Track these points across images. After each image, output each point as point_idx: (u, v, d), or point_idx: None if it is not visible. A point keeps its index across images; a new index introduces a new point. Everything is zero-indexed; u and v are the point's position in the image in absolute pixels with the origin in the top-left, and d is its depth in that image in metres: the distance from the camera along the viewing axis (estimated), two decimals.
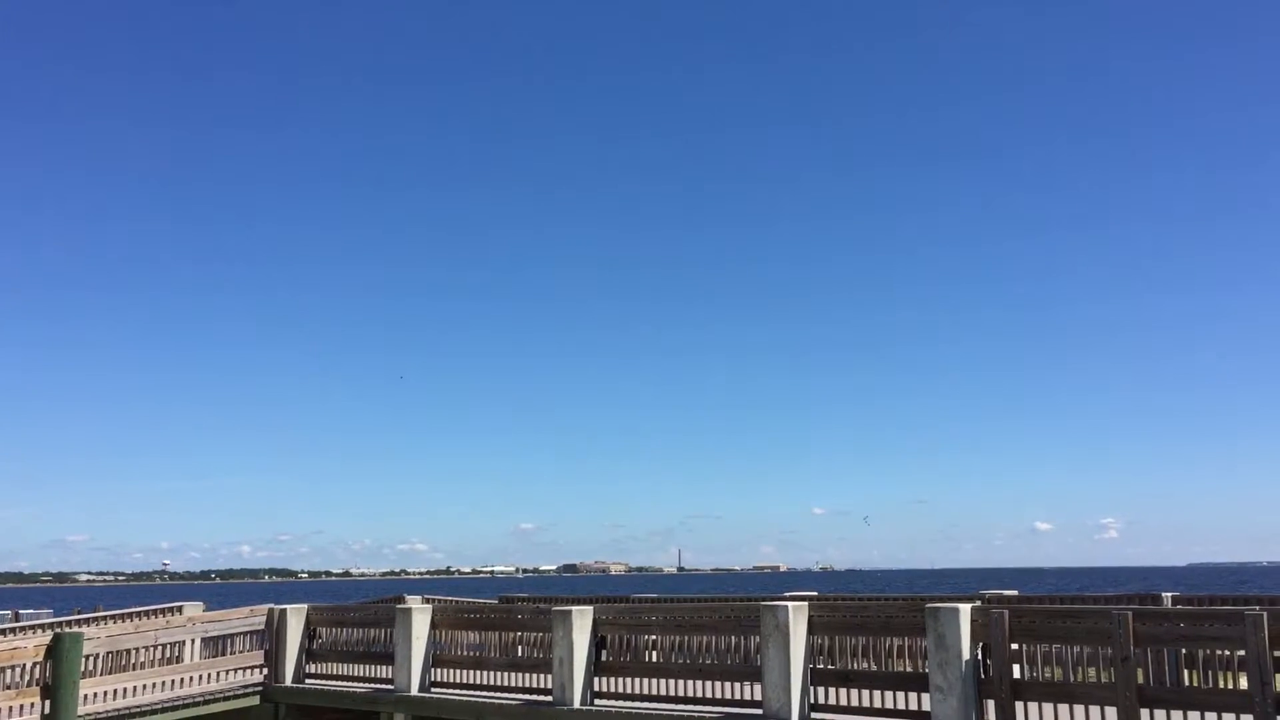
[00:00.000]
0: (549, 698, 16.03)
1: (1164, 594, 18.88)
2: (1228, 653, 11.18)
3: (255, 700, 19.53)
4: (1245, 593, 27.36)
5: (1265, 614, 10.73)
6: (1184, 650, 11.54)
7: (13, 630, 22.37)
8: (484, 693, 17.14)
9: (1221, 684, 11.19)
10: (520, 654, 17.10)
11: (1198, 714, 11.14)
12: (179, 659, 18.90)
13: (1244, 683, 10.88)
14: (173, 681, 18.62)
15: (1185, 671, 11.52)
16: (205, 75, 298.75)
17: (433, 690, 17.79)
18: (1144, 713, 11.34)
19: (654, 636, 15.68)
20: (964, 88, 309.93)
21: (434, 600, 24.12)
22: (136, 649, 18.30)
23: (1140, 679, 11.46)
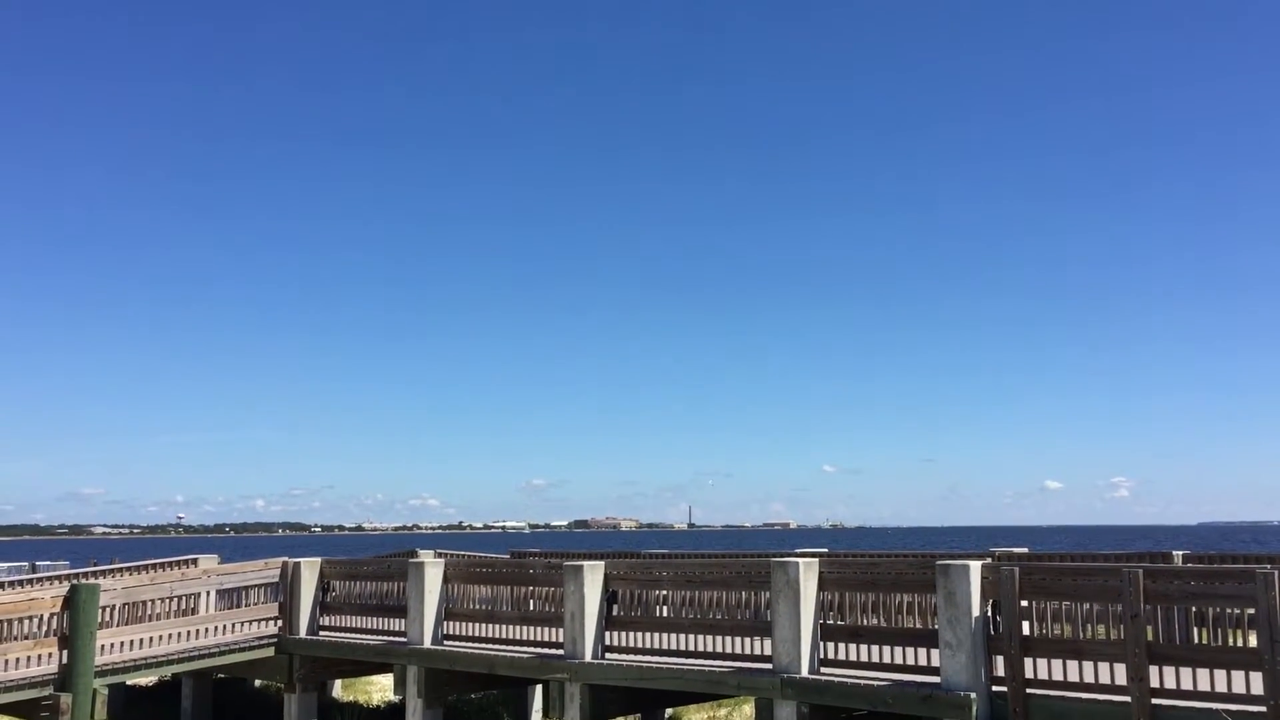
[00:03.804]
0: (560, 651, 16.17)
1: (1174, 552, 18.82)
2: (1238, 611, 11.16)
3: (270, 652, 19.73)
4: (1257, 551, 27.30)
5: (1276, 572, 10.70)
6: (1194, 608, 11.56)
7: (30, 581, 22.59)
8: (496, 645, 17.27)
9: (1231, 642, 11.19)
10: (532, 608, 17.20)
11: (1207, 671, 11.16)
12: (194, 611, 19.05)
13: (1254, 641, 10.88)
14: (188, 633, 18.80)
15: (1195, 629, 11.54)
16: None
17: (445, 643, 17.94)
18: (1153, 670, 11.37)
19: (665, 592, 15.75)
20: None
21: (446, 555, 24.27)
22: (152, 600, 18.46)
23: (1150, 636, 11.48)
